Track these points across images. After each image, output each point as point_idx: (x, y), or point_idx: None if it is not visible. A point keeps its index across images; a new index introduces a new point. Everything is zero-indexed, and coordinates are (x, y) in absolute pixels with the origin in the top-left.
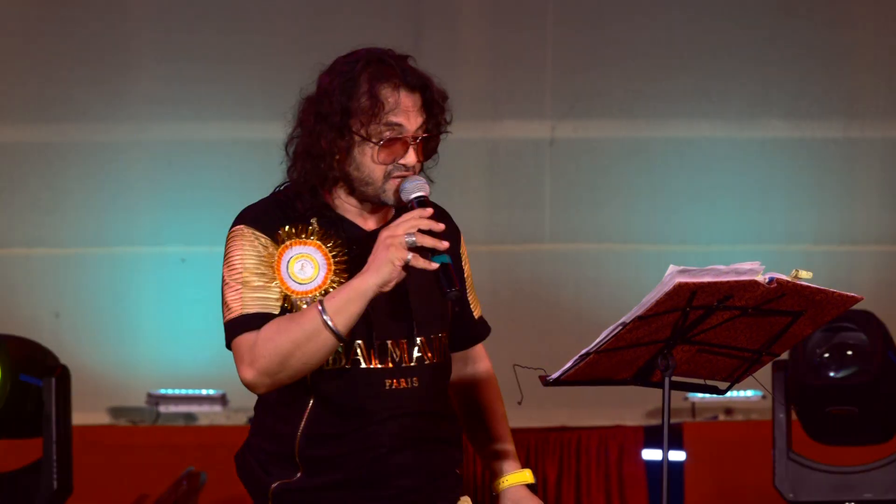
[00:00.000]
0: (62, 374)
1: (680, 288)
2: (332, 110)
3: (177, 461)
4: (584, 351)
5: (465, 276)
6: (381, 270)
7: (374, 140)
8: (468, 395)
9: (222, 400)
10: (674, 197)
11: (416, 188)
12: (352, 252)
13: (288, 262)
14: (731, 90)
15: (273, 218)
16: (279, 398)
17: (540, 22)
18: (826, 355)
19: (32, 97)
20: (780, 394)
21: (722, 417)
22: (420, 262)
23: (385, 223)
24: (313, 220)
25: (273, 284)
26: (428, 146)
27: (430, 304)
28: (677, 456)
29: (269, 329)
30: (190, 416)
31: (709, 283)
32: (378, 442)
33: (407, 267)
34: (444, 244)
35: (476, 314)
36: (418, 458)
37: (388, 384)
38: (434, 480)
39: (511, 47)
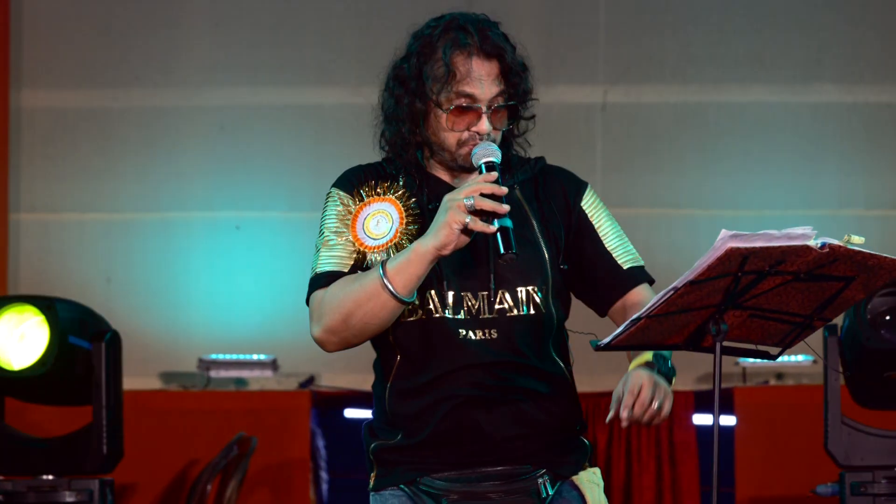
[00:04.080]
0: (112, 339)
1: (732, 253)
2: (409, 75)
3: (227, 426)
4: (635, 315)
5: (598, 230)
6: (440, 233)
7: (444, 107)
8: None
9: (273, 365)
10: (726, 162)
11: (484, 154)
12: (433, 205)
13: (365, 218)
14: (784, 55)
15: (360, 179)
16: (378, 360)
17: None
18: (888, 317)
19: (85, 62)
20: (832, 359)
21: (773, 382)
22: (479, 226)
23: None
24: (401, 179)
25: (348, 242)
26: (507, 114)
27: (524, 259)
28: (728, 421)
29: (335, 287)
30: (241, 381)
31: (761, 248)
32: (452, 393)
33: (469, 231)
34: (504, 208)
35: (626, 265)
36: (501, 414)
37: (461, 334)
38: (532, 439)
39: (563, 12)
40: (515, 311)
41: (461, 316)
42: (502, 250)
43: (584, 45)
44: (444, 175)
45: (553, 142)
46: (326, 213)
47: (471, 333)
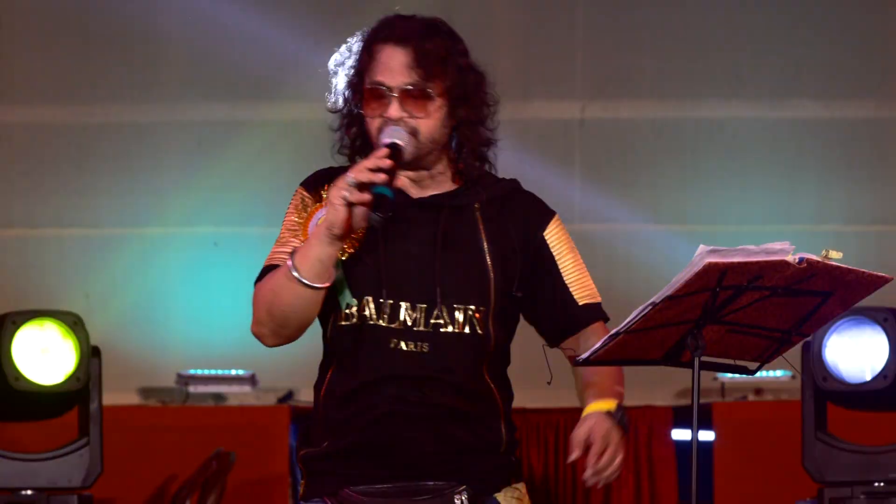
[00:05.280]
0: (92, 354)
1: (710, 268)
2: (345, 73)
3: (206, 441)
4: (613, 331)
5: (559, 264)
6: (328, 213)
7: (360, 95)
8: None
9: (252, 380)
10: (704, 177)
11: (388, 135)
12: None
13: (319, 218)
14: (761, 70)
15: (326, 179)
16: (320, 363)
17: (570, 2)
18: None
19: (63, 78)
20: (809, 374)
21: (751, 397)
22: (355, 196)
23: (436, 193)
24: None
25: (299, 239)
26: (422, 102)
27: (465, 277)
28: (707, 436)
29: (263, 280)
30: (219, 397)
31: (739, 263)
32: (377, 403)
33: (360, 205)
34: (380, 176)
35: (581, 301)
36: (423, 429)
37: (392, 343)
38: (453, 456)
39: (541, 28)
40: (450, 329)
41: (395, 325)
42: (370, 211)
43: (562, 61)
44: (400, 181)
45: (531, 157)
46: (289, 210)
47: (402, 344)
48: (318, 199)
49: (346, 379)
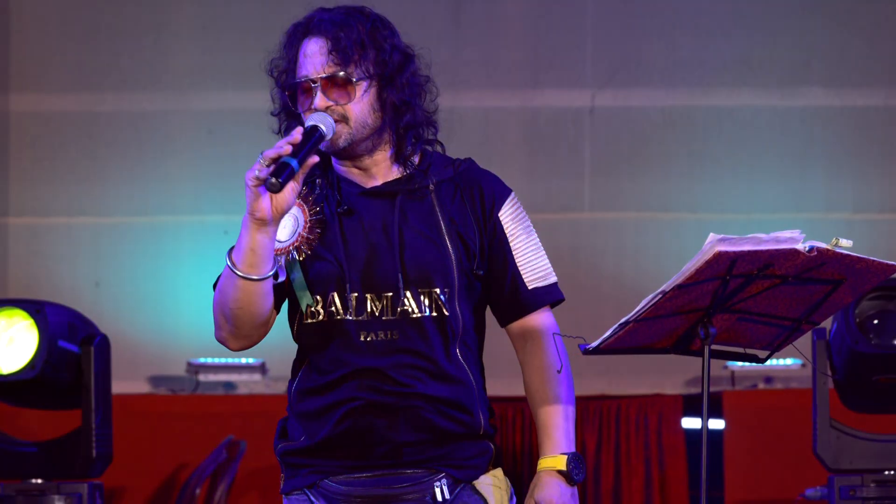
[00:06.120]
0: (101, 343)
1: (720, 256)
2: (275, 75)
3: (216, 430)
4: (623, 319)
5: (511, 245)
6: (248, 198)
7: (287, 91)
8: (526, 373)
9: (262, 369)
10: (714, 166)
11: (311, 120)
12: (341, 209)
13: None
14: (771, 59)
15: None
16: (294, 360)
17: None
18: (876, 321)
19: (74, 66)
20: (821, 362)
21: (761, 386)
22: (256, 170)
23: (388, 181)
24: (318, 181)
25: None
26: (345, 89)
27: (426, 260)
28: (717, 424)
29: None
30: (229, 385)
31: (749, 252)
32: (350, 396)
33: (272, 187)
34: (286, 149)
35: (530, 284)
36: (400, 418)
37: (362, 336)
38: (431, 444)
39: (551, 16)
40: (418, 313)
41: (363, 318)
42: (267, 176)
43: (572, 49)
44: (354, 176)
45: (541, 146)
46: None
47: (372, 335)
48: None
49: (318, 374)
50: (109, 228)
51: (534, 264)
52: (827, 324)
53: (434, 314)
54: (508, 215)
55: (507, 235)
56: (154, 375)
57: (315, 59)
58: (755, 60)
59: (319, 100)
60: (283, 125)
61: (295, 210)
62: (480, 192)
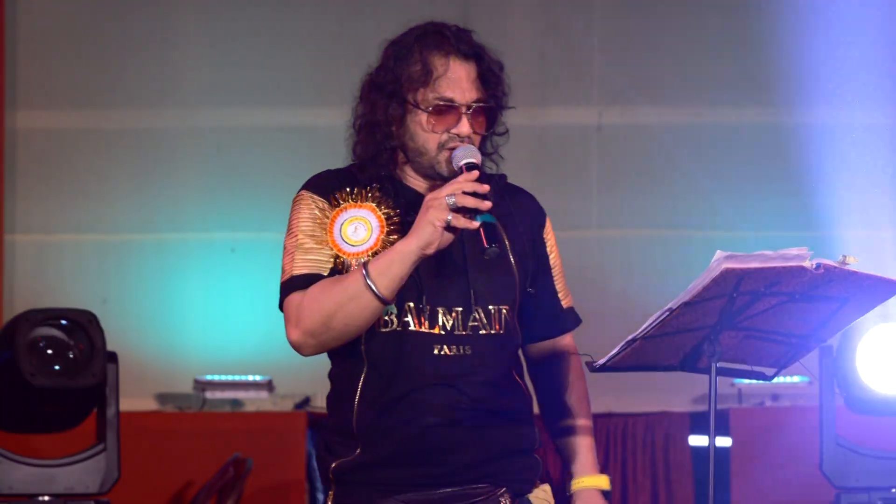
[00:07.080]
0: (109, 360)
1: (727, 273)
2: (386, 79)
3: (223, 447)
4: (630, 337)
5: (552, 263)
6: (423, 232)
7: (422, 108)
8: (551, 392)
9: (268, 386)
10: (721, 183)
11: (465, 154)
12: (409, 217)
13: (342, 224)
14: (779, 76)
15: (334, 184)
16: (339, 371)
17: (587, 8)
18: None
19: (81, 83)
20: (827, 379)
21: (768, 403)
22: (461, 222)
23: None
24: (374, 186)
25: (325, 247)
26: (486, 118)
27: (494, 276)
28: (724, 442)
29: (315, 289)
30: (236, 402)
31: (756, 269)
32: (424, 411)
33: (453, 229)
34: (486, 204)
35: (565, 304)
36: (472, 433)
37: (436, 349)
38: (496, 459)
39: (558, 34)
40: (488, 329)
41: (436, 331)
42: (486, 244)
43: (579, 67)
44: (418, 185)
45: (548, 163)
46: (299, 215)
47: (445, 349)
48: (335, 203)
49: (386, 386)
50: (117, 246)
51: (564, 283)
52: (834, 341)
53: (502, 331)
54: (550, 235)
55: (549, 255)
56: (161, 392)
57: (464, 83)
58: (762, 78)
59: (466, 126)
60: (371, 129)
61: (364, 212)
62: (528, 210)
